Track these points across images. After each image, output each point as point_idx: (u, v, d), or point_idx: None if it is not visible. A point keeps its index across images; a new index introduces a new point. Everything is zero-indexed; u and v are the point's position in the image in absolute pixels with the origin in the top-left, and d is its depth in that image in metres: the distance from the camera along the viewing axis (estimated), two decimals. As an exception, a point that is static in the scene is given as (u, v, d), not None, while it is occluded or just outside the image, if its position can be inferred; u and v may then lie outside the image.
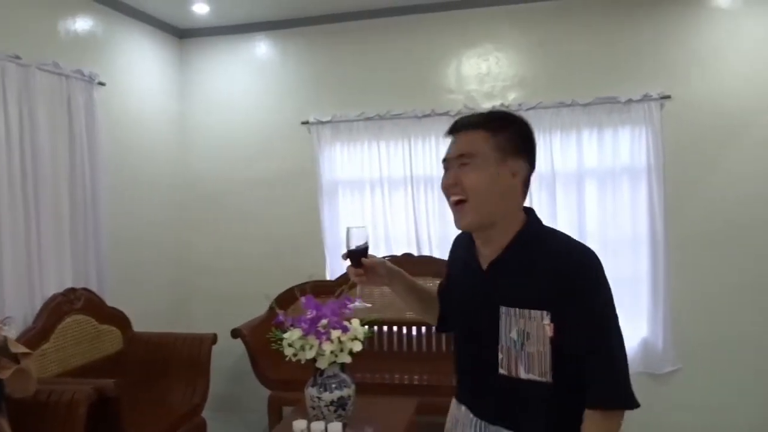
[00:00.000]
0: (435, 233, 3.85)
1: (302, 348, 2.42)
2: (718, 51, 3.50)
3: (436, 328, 1.70)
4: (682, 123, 3.52)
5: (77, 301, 3.10)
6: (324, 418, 2.43)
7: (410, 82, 3.89)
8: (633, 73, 3.57)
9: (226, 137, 4.22)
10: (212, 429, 3.37)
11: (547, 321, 1.28)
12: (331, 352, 2.42)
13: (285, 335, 2.45)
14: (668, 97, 3.52)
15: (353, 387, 2.53)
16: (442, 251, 3.82)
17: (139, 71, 3.84)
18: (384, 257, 3.79)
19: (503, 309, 1.32)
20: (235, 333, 3.52)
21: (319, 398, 2.46)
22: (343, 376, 2.53)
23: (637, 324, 3.61)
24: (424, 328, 3.79)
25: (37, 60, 2.90)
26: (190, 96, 4.26)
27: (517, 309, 1.31)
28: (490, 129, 1.34)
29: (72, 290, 3.10)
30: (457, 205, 1.35)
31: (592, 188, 3.64)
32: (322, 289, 3.39)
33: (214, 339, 3.37)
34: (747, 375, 3.45)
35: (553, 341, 1.27)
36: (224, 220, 4.23)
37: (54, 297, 2.99)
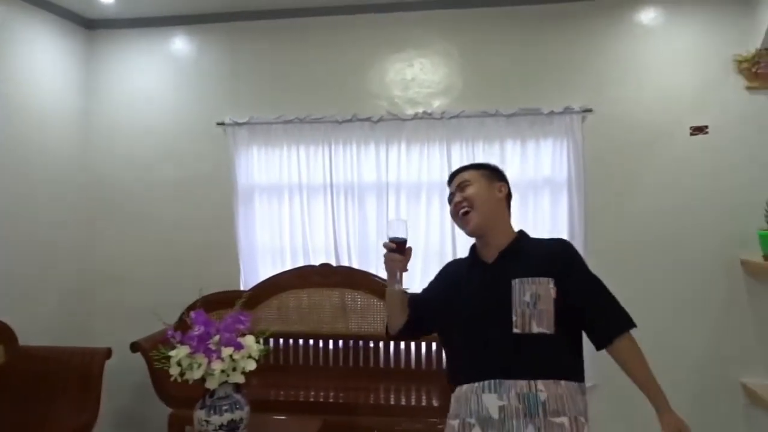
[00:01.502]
0: (354, 243, 3.69)
1: (190, 367, 2.22)
2: (639, 66, 3.51)
3: (398, 334, 2.03)
4: (603, 136, 3.51)
5: (-52, 312, 2.80)
6: (212, 444, 2.24)
7: (332, 84, 3.74)
8: (556, 85, 3.54)
9: (135, 136, 3.95)
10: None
11: (551, 286, 1.76)
12: (222, 371, 2.23)
13: (171, 353, 2.25)
14: (590, 110, 3.51)
15: (247, 409, 2.35)
16: (361, 262, 3.67)
17: (38, 62, 3.54)
18: (300, 267, 3.67)
19: (516, 281, 1.77)
20: (134, 347, 3.26)
21: (207, 422, 2.28)
22: (237, 396, 2.35)
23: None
24: (341, 342, 3.62)
25: None
26: (97, 91, 3.98)
27: (530, 278, 1.76)
28: (478, 168, 1.98)
29: (-59, 300, 2.79)
30: (464, 216, 1.89)
31: (514, 200, 3.55)
32: (229, 300, 3.19)
33: (108, 353, 3.11)
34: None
35: (556, 301, 1.75)
36: (131, 225, 3.95)
37: None
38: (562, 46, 3.55)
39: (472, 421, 1.74)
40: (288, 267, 3.74)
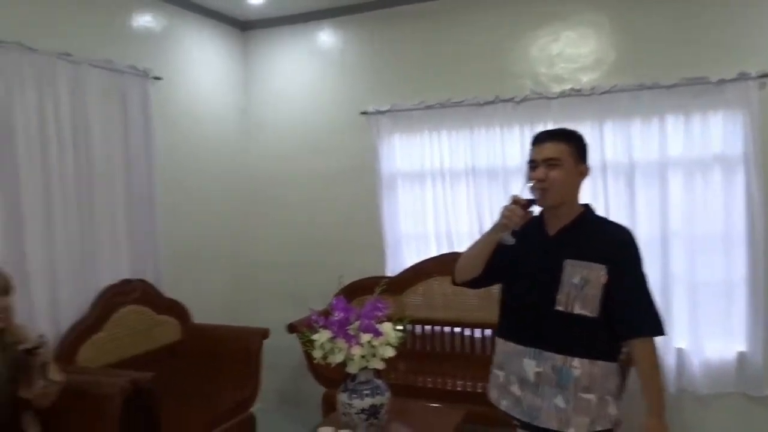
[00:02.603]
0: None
1: (332, 351, 2.30)
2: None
3: (465, 283, 2.10)
4: (788, 104, 3.02)
5: (133, 292, 3.17)
6: (354, 427, 2.30)
7: (473, 67, 3.63)
8: (726, 50, 3.10)
9: (286, 129, 4.18)
10: (265, 424, 3.34)
11: (603, 272, 1.82)
12: (362, 356, 2.28)
13: (314, 336, 2.34)
14: (769, 75, 3.04)
15: (387, 394, 2.38)
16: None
17: (199, 65, 3.87)
18: (444, 254, 3.64)
19: (568, 262, 1.85)
20: (291, 328, 3.46)
21: (349, 404, 2.33)
22: (377, 382, 2.38)
23: (731, 336, 3.18)
24: (488, 331, 3.53)
25: (89, 56, 2.96)
26: (253, 88, 4.26)
27: (583, 261, 1.84)
28: (570, 141, 1.91)
29: (127, 281, 3.17)
30: (540, 192, 1.88)
31: (677, 180, 3.22)
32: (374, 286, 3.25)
33: (265, 333, 3.34)
34: None
35: (605, 288, 1.81)
36: (284, 213, 4.20)
37: (109, 288, 3.07)
38: (731, 1, 3.10)
39: (514, 378, 1.95)
40: (433, 253, 3.74)
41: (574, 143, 1.91)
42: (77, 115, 2.90)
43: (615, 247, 1.85)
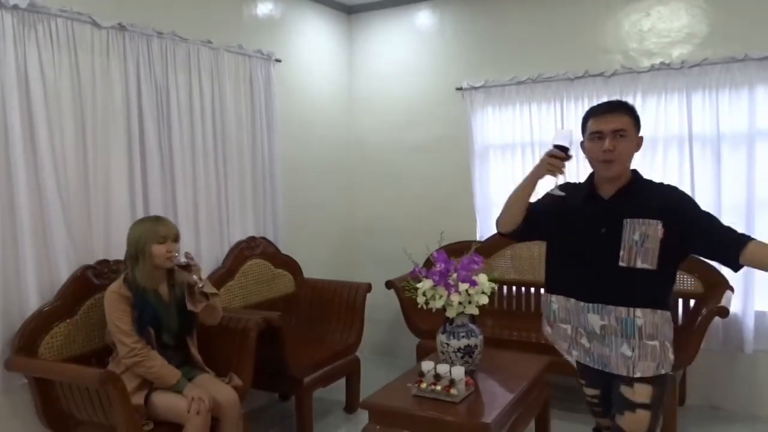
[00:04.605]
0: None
1: (433, 297, 2.66)
2: None
3: (510, 233, 2.24)
4: None
5: (257, 248, 3.66)
6: (452, 363, 2.66)
7: (564, 42, 3.83)
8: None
9: (387, 105, 4.54)
10: (367, 368, 3.77)
11: (660, 227, 1.96)
12: (459, 303, 2.62)
13: (418, 285, 2.71)
14: None
15: (480, 338, 2.71)
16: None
17: (311, 47, 4.28)
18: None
19: (627, 221, 1.99)
20: (389, 284, 3.86)
21: (447, 344, 2.68)
22: (472, 326, 2.71)
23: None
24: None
25: (225, 43, 3.44)
26: (357, 68, 4.65)
27: (640, 219, 1.98)
28: (632, 114, 2.02)
29: (253, 238, 3.66)
30: (607, 162, 2.00)
31: (766, 151, 3.31)
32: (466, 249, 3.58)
33: (368, 287, 3.75)
34: None
35: (662, 241, 1.96)
36: (384, 182, 4.59)
37: (238, 243, 3.57)
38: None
39: (582, 331, 2.13)
40: (520, 220, 4.00)
41: (635, 115, 2.03)
42: (215, 94, 3.39)
43: (668, 203, 1.98)
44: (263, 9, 3.84)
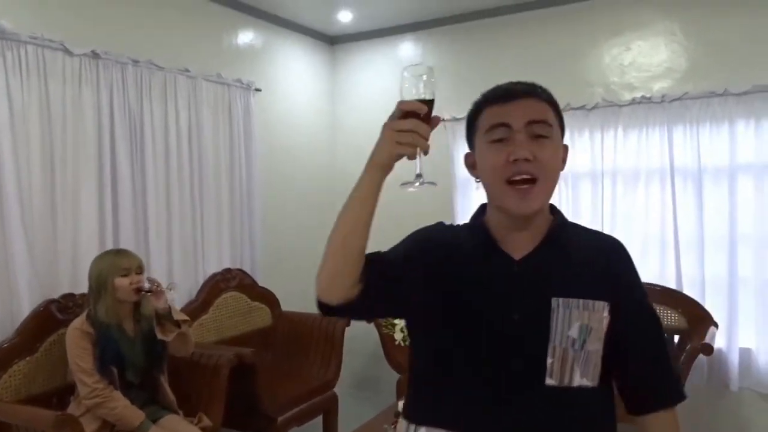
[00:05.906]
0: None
1: (411, 334, 2.57)
2: None
3: (337, 306, 1.18)
4: None
5: (233, 280, 3.57)
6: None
7: (545, 75, 3.71)
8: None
9: (370, 136, 4.30)
10: (345, 404, 3.65)
11: (605, 314, 1.14)
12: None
13: (395, 321, 2.64)
14: None
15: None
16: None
17: (293, 77, 4.26)
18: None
19: (559, 301, 1.12)
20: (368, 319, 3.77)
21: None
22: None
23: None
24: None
25: (203, 72, 3.39)
26: (340, 98, 4.62)
27: (580, 300, 1.12)
28: (553, 105, 1.20)
29: (228, 270, 3.57)
30: (525, 184, 1.12)
31: (747, 185, 3.30)
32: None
33: (347, 321, 3.65)
34: None
35: (606, 337, 1.15)
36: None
37: (213, 275, 3.47)
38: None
39: None
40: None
41: (557, 108, 1.21)
42: (192, 123, 3.33)
43: (611, 269, 1.18)
44: (243, 38, 3.82)
